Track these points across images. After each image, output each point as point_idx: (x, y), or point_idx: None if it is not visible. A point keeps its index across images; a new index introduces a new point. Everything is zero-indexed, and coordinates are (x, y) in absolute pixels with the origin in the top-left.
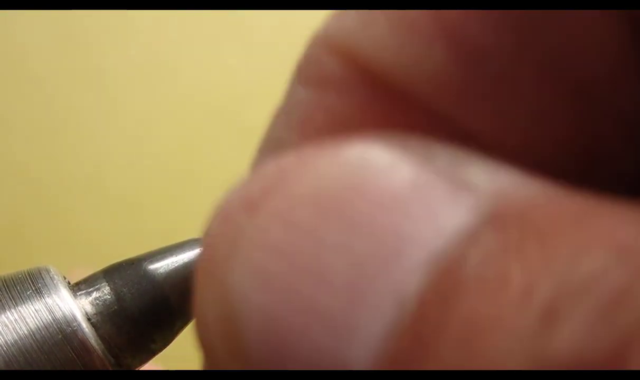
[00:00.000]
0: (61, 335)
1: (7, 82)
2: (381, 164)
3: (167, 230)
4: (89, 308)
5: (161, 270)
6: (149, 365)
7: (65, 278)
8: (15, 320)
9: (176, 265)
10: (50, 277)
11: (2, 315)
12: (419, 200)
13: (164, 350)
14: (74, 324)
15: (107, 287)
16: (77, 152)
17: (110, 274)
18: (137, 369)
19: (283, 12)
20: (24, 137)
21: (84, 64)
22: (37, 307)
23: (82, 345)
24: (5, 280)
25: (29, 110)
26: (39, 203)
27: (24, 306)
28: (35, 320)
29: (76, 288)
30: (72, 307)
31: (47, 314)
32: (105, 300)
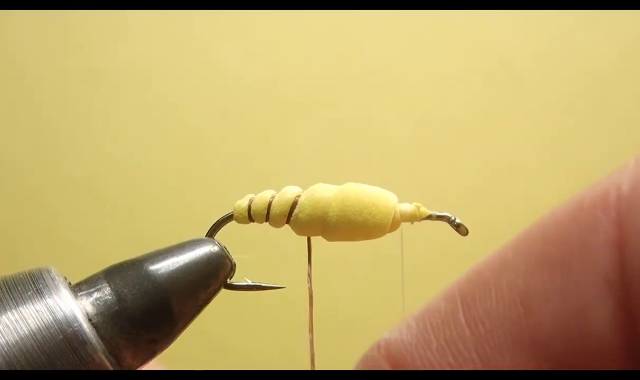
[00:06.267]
0: (62, 336)
1: (3, 84)
2: None
3: (167, 231)
4: (90, 308)
5: (162, 271)
6: (150, 365)
7: (66, 278)
8: (17, 320)
9: (177, 266)
10: (51, 278)
11: (3, 316)
12: None
13: (165, 350)
14: (75, 325)
15: (108, 288)
16: (77, 153)
17: (111, 274)
18: (138, 369)
19: (283, 13)
20: (23, 139)
21: (81, 66)
22: (38, 308)
23: (83, 345)
24: (6, 281)
25: (27, 112)
26: (39, 204)
27: (25, 307)
28: (36, 320)
29: (77, 288)
30: (73, 307)
31: (48, 314)
32: (106, 300)
